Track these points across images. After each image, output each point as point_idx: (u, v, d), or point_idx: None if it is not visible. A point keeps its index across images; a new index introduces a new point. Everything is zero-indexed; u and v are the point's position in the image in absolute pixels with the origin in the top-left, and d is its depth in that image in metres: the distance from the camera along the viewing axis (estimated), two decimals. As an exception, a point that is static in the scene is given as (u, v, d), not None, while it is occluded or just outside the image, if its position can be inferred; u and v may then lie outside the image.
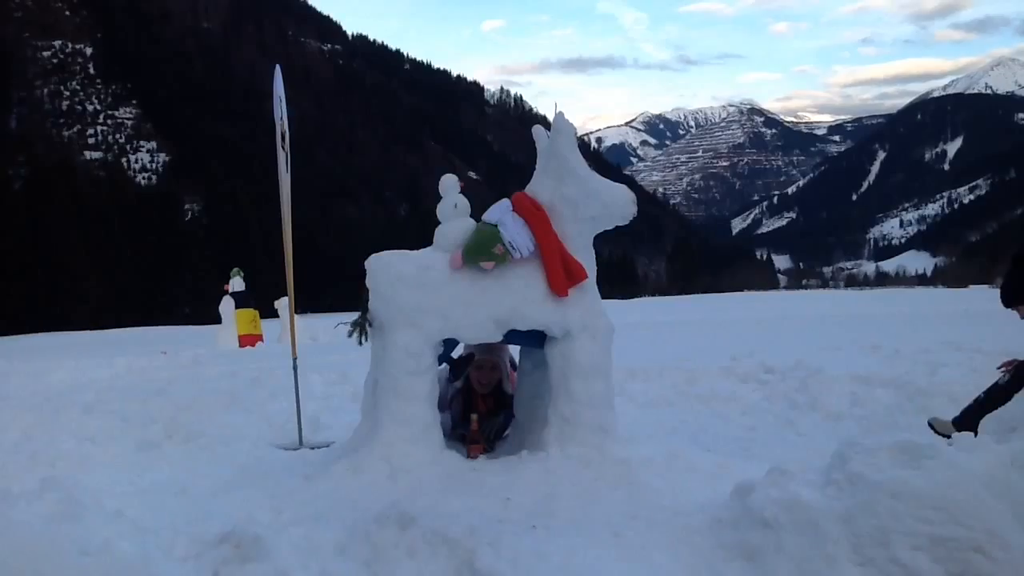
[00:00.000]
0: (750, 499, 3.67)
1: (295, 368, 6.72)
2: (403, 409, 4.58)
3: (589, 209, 4.72)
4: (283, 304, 20.04)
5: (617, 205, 4.73)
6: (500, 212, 4.75)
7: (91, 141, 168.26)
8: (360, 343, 4.80)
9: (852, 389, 8.09)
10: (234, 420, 7.16)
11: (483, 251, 4.61)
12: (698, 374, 9.33)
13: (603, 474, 4.42)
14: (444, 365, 5.44)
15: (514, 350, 5.78)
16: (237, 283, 19.88)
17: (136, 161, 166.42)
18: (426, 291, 4.62)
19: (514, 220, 4.69)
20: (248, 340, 19.09)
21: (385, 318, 4.69)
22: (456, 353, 5.53)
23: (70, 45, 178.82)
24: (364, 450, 4.54)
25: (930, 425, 6.16)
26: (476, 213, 4.88)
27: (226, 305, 19.82)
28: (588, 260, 4.82)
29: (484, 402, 5.62)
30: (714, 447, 5.96)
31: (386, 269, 4.66)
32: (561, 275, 4.65)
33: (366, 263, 4.74)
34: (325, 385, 9.08)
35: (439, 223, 4.88)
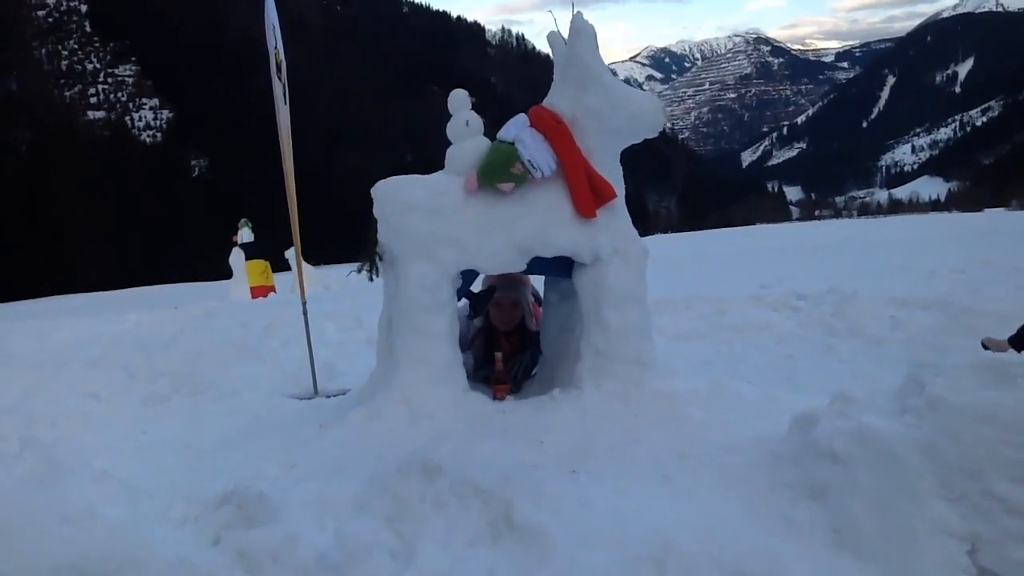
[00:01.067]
0: (814, 431, 3.28)
1: (305, 314, 6.36)
2: (421, 348, 4.17)
3: (615, 120, 4.24)
4: (290, 253, 19.66)
5: (646, 115, 4.26)
6: (517, 128, 4.29)
7: (93, 101, 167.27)
8: (371, 279, 4.39)
9: (891, 312, 7.69)
10: (245, 370, 6.82)
11: (500, 172, 4.16)
12: (727, 304, 8.94)
13: (644, 410, 4.03)
14: (463, 300, 5.03)
15: (538, 282, 5.35)
16: (246, 234, 19.44)
17: (140, 119, 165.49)
18: (439, 218, 4.18)
19: (533, 136, 4.23)
20: (260, 292, 18.72)
21: (396, 250, 4.26)
22: (475, 287, 5.11)
23: (64, 3, 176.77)
24: (382, 395, 4.15)
25: (984, 346, 5.78)
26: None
27: (236, 257, 19.44)
28: (616, 177, 4.37)
29: (508, 341, 5.24)
30: (755, 378, 5.56)
31: (394, 196, 4.22)
32: (588, 194, 4.21)
33: (372, 190, 4.30)
34: (339, 332, 8.71)
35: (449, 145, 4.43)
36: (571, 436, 3.79)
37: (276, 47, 6.60)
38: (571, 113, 4.28)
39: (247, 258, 19.03)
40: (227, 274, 20.13)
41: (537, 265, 4.43)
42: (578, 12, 4.26)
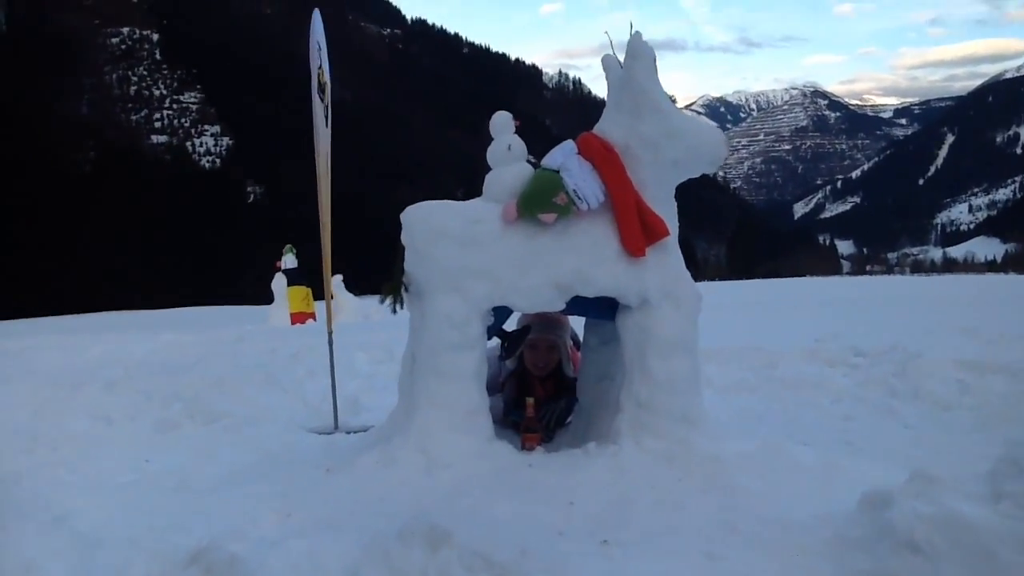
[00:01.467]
0: (888, 514, 2.82)
1: (331, 343, 6.05)
2: (444, 390, 3.79)
3: (672, 151, 3.85)
4: (336, 282, 19.56)
5: (706, 146, 3.87)
6: (563, 155, 3.92)
7: (157, 125, 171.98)
8: (394, 311, 4.02)
9: (958, 376, 7.10)
10: (266, 399, 6.50)
11: (542, 201, 3.79)
12: (779, 357, 8.42)
13: (689, 473, 3.59)
14: (495, 340, 4.64)
15: (577, 324, 4.94)
16: (290, 260, 19.39)
17: (200, 145, 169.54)
18: (473, 249, 3.81)
19: (580, 165, 3.86)
20: (300, 318, 18.59)
21: (424, 281, 3.90)
22: (509, 326, 4.72)
23: (137, 32, 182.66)
24: (397, 439, 3.77)
25: None
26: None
27: (278, 282, 19.36)
28: (669, 214, 3.97)
29: (542, 386, 4.83)
30: (810, 439, 5.06)
31: (425, 222, 3.87)
32: (637, 230, 3.82)
33: (402, 215, 3.95)
34: (370, 364, 8.38)
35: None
36: (604, 499, 3.37)
37: (321, 66, 6.36)
38: (624, 141, 3.91)
39: (289, 284, 18.94)
40: (271, 300, 20.03)
41: (577, 305, 4.03)
42: (636, 32, 3.89)
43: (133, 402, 6.18)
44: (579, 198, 3.78)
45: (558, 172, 3.84)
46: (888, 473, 4.03)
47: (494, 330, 4.35)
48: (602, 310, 4.14)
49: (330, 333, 6.11)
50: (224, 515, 3.12)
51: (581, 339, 4.78)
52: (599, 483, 3.47)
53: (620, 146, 3.90)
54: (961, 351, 8.35)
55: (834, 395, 6.87)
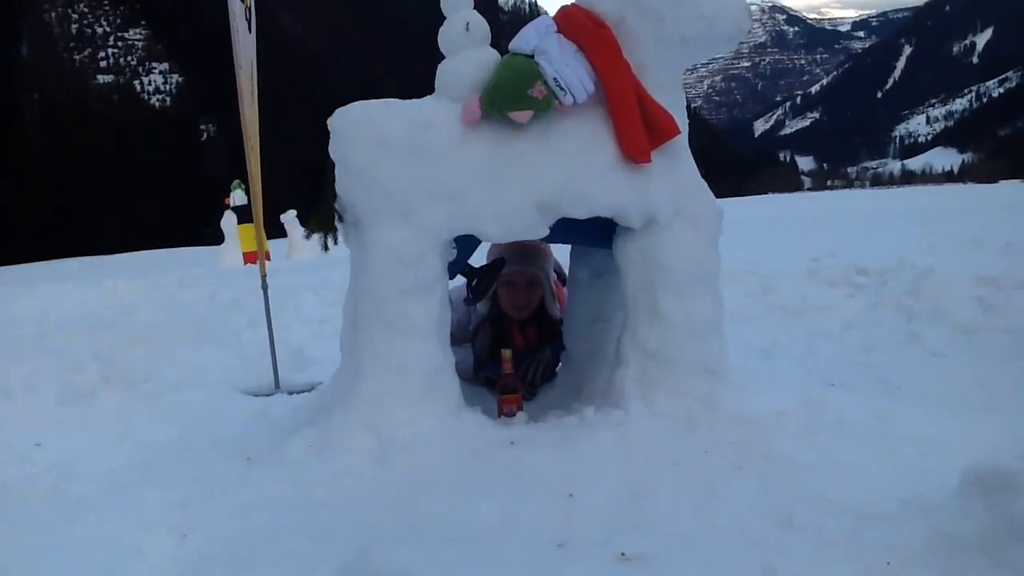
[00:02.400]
0: (1014, 500, 2.02)
1: (265, 289, 5.14)
2: (395, 348, 2.87)
3: (680, 24, 2.92)
4: (290, 217, 18.43)
5: (724, 16, 2.94)
6: (538, 34, 2.98)
7: (103, 65, 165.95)
8: (325, 247, 3.10)
9: (978, 293, 6.37)
10: (197, 357, 5.60)
11: (514, 95, 2.85)
12: (775, 279, 7.68)
13: (718, 443, 2.76)
14: (459, 279, 3.72)
15: (562, 254, 4.03)
16: (239, 196, 18.04)
17: (150, 83, 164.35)
18: (425, 161, 2.86)
19: (561, 46, 2.92)
20: (253, 257, 17.43)
21: (362, 207, 2.96)
22: (477, 261, 3.79)
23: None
24: (337, 416, 2.88)
25: None
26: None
27: (228, 220, 18.13)
28: (677, 106, 3.05)
29: (522, 333, 3.95)
30: (837, 379, 4.26)
31: (360, 128, 2.89)
32: (639, 128, 2.91)
33: (329, 121, 2.97)
34: (321, 307, 7.47)
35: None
36: (613, 486, 2.53)
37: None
38: (617, 14, 2.97)
39: (239, 222, 17.73)
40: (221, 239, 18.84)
41: (562, 231, 3.14)
42: None
43: (39, 368, 5.22)
44: (561, 89, 2.85)
45: (532, 57, 2.91)
46: (953, 424, 3.27)
47: (458, 267, 3.44)
48: (594, 235, 3.26)
49: (263, 277, 5.18)
50: (95, 542, 2.25)
51: (567, 272, 3.88)
52: (604, 464, 2.63)
53: (613, 20, 2.96)
54: (975, 266, 7.63)
55: (844, 321, 6.14)
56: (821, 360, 5.00)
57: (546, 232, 2.94)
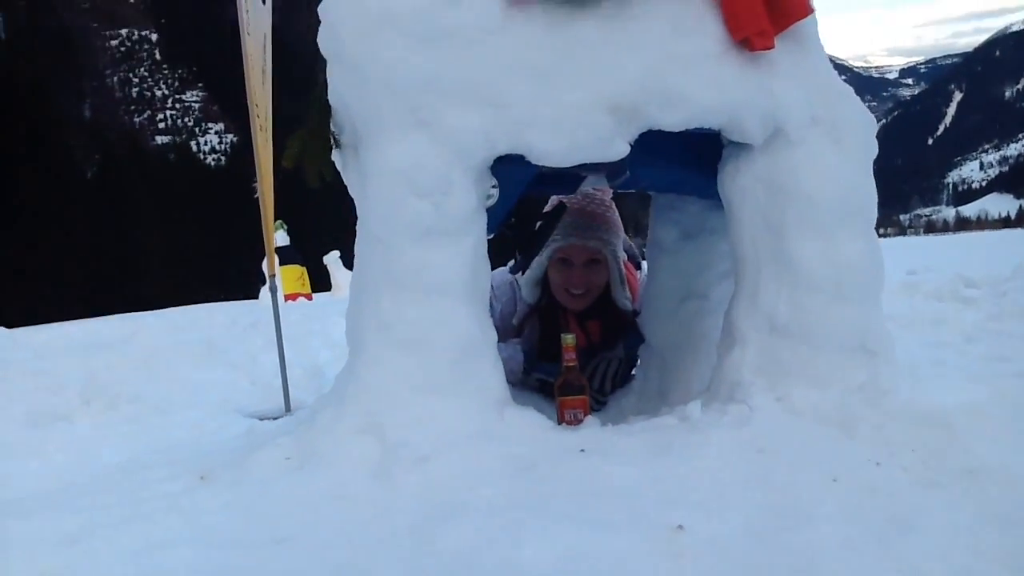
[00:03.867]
0: None
1: (273, 291, 4.37)
2: (408, 315, 1.97)
3: None
4: (333, 258, 17.86)
5: None
6: None
7: (161, 126, 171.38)
8: (314, 182, 2.21)
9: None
10: (201, 377, 4.86)
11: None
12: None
13: (895, 452, 1.81)
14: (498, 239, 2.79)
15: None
16: (281, 237, 17.49)
17: (205, 143, 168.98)
18: (451, 49, 1.97)
19: None
20: (294, 299, 16.84)
21: (361, 116, 2.09)
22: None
23: (136, 32, 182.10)
24: (328, 412, 1.99)
25: None
26: None
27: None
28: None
29: (581, 327, 3.01)
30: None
31: (358, 3, 2.05)
32: (756, 2, 2.03)
33: (320, 7, 2.13)
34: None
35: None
36: (744, 514, 1.60)
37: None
38: None
39: (281, 263, 17.11)
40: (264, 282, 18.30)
41: (643, 165, 2.24)
42: None
43: (9, 389, 4.46)
44: (644, -52, 1.99)
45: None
46: None
47: (499, 221, 2.54)
48: (684, 174, 2.36)
49: (271, 278, 4.44)
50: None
51: (649, 241, 2.90)
52: (725, 481, 1.70)
53: None
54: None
55: (966, 334, 5.22)
56: (952, 369, 4.06)
57: (626, 149, 2.02)
